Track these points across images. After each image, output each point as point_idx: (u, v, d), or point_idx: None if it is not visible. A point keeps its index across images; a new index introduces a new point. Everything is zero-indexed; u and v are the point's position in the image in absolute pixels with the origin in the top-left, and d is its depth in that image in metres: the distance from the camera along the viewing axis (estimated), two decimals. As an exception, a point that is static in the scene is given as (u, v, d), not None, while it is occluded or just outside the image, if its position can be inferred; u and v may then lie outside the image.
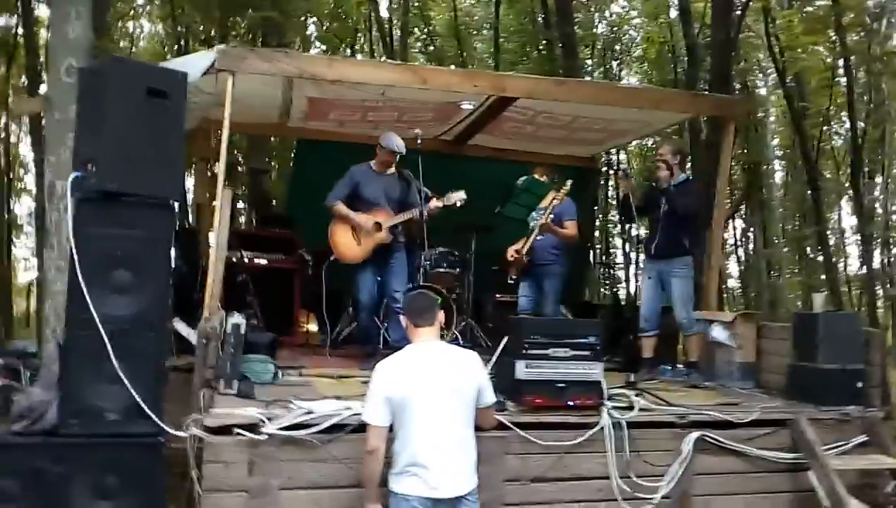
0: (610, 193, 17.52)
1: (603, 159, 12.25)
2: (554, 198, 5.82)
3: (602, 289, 16.79)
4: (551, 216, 5.82)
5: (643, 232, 6.22)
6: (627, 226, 5.99)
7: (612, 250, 18.76)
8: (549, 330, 4.16)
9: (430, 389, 3.21)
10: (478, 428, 3.41)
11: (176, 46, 14.88)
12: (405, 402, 3.17)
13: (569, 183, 5.87)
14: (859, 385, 4.58)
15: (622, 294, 17.03)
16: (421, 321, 3.39)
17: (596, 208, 5.90)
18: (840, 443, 4.33)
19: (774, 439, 4.24)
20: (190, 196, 11.26)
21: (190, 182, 11.25)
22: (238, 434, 3.44)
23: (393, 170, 5.59)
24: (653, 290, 5.70)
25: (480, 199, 5.66)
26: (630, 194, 5.74)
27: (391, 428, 3.24)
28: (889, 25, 13.57)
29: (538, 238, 5.89)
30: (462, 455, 3.23)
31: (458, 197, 5.54)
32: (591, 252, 15.51)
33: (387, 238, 5.45)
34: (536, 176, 6.03)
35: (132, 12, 15.21)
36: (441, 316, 3.48)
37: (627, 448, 3.92)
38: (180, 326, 4.73)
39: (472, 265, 6.61)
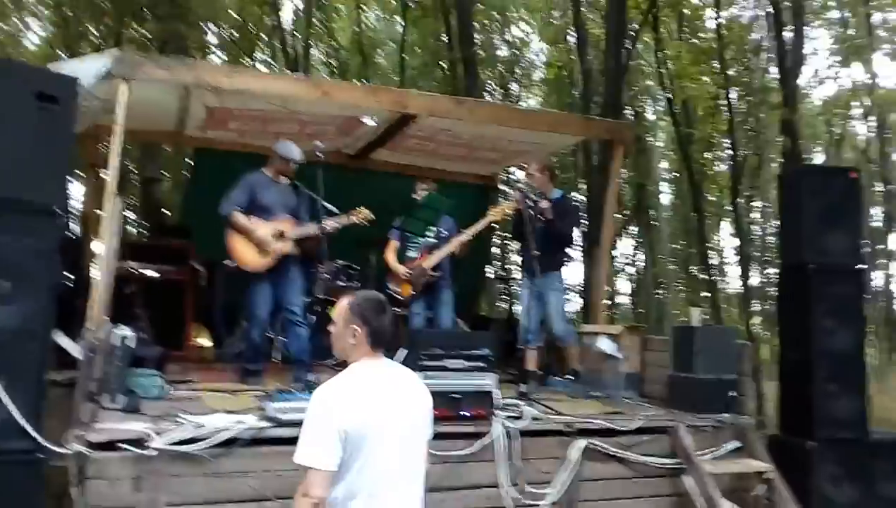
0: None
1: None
2: (490, 215, 5.83)
3: (498, 304, 17.06)
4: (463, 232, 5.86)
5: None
6: (521, 245, 6.11)
7: (507, 266, 19.11)
8: (445, 342, 4.27)
9: (394, 420, 2.50)
10: None
11: (68, 52, 14.15)
12: (363, 436, 2.40)
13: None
14: (732, 394, 4.91)
15: (518, 308, 17.33)
16: (382, 345, 2.61)
17: (496, 225, 6.07)
18: (714, 449, 4.62)
19: (655, 445, 4.49)
20: (77, 205, 10.74)
21: (77, 190, 10.74)
22: (123, 449, 3.34)
23: (287, 180, 5.43)
24: (534, 304, 5.83)
25: (381, 214, 5.63)
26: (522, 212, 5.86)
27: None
28: (767, 60, 14.60)
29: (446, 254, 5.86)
30: (420, 495, 2.59)
31: (363, 216, 5.39)
32: (489, 267, 15.76)
33: (291, 248, 5.24)
34: (422, 191, 6.14)
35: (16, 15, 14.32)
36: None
37: (518, 457, 4.06)
38: (62, 339, 4.52)
39: (371, 279, 6.63)
